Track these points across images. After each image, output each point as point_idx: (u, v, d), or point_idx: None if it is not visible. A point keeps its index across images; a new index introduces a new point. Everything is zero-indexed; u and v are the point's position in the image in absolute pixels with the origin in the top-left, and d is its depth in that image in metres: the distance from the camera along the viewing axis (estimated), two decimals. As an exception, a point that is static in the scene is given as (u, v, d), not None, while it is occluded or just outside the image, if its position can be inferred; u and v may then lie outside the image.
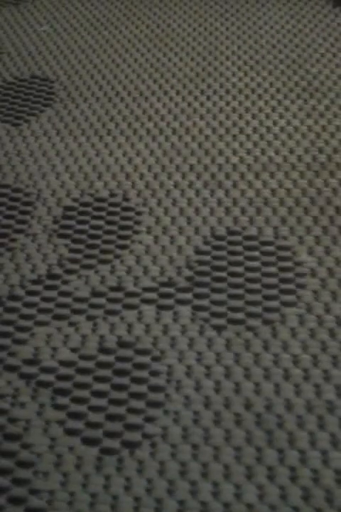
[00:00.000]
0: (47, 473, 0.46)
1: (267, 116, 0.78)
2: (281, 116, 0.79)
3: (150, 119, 0.80)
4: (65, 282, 0.60)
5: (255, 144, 0.76)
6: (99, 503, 0.44)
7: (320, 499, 0.44)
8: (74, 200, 0.69)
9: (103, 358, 0.53)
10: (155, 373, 0.52)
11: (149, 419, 0.49)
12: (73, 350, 0.54)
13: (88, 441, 0.48)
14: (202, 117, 0.80)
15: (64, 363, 0.53)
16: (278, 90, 0.83)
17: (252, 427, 0.48)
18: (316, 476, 0.45)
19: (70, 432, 0.48)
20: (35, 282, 0.60)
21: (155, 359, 0.53)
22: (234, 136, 0.77)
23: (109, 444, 0.48)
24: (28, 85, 0.85)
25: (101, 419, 0.49)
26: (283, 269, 0.61)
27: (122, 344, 0.54)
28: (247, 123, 0.78)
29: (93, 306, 0.58)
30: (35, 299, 0.59)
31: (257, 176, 0.71)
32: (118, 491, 0.45)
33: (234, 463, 0.46)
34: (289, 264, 0.61)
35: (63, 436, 0.48)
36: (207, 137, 0.77)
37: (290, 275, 0.60)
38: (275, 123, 0.78)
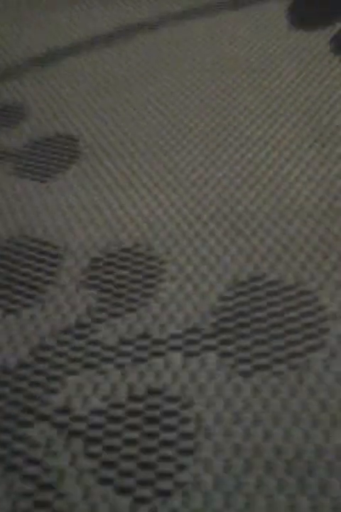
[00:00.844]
0: (81, 524, 0.45)
1: (281, 167, 0.80)
2: (296, 166, 0.81)
3: (170, 172, 0.82)
4: (94, 331, 0.60)
5: (271, 193, 0.77)
6: None
7: None
8: (101, 251, 0.71)
9: (132, 405, 0.53)
10: (184, 420, 0.52)
11: (180, 467, 0.48)
12: (104, 398, 0.54)
13: (121, 491, 0.47)
14: (219, 169, 0.82)
15: (95, 412, 0.53)
16: (291, 141, 0.85)
17: (283, 474, 0.47)
18: (351, 524, 0.44)
19: (103, 481, 0.48)
20: (64, 332, 0.60)
21: (184, 406, 0.53)
22: (251, 186, 0.78)
23: (142, 493, 0.47)
24: (53, 144, 0.88)
25: (133, 467, 0.48)
26: (306, 314, 0.61)
27: (151, 391, 0.54)
28: (263, 173, 0.80)
29: (121, 354, 0.58)
30: (65, 348, 0.59)
31: (275, 224, 0.72)
32: (152, 541, 0.44)
33: (266, 511, 0.45)
34: (312, 308, 0.61)
35: (96, 485, 0.47)
36: (224, 188, 0.79)
37: (313, 319, 0.60)
38: (289, 172, 0.80)
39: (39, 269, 0.69)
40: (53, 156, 0.87)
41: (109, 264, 0.69)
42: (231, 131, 0.87)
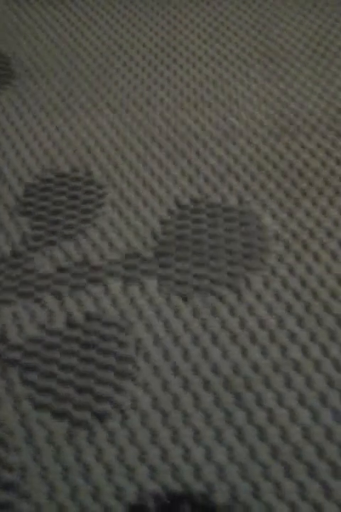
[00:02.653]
0: (19, 448, 0.45)
1: (227, 83, 0.78)
2: (241, 82, 0.79)
3: (109, 91, 0.79)
4: (29, 260, 0.59)
5: (216, 112, 0.75)
6: (71, 473, 0.44)
7: (287, 455, 0.45)
8: (36, 177, 0.68)
9: (70, 332, 0.53)
10: (123, 344, 0.52)
11: (118, 390, 0.49)
12: (40, 326, 0.54)
13: (58, 415, 0.48)
14: (162, 87, 0.79)
15: (31, 340, 0.53)
16: (237, 56, 0.83)
17: (220, 390, 0.49)
18: (284, 434, 0.46)
19: (40, 407, 0.48)
20: (-2, 262, 0.59)
21: (122, 330, 0.53)
22: (195, 105, 0.76)
23: (79, 416, 0.48)
24: (-17, 63, 0.82)
25: (71, 392, 0.49)
26: (246, 234, 0.61)
27: (89, 317, 0.54)
28: (208, 91, 0.78)
29: (58, 282, 0.58)
30: (0, 278, 0.58)
31: (219, 143, 0.71)
32: (89, 460, 0.45)
33: (203, 426, 0.47)
34: (253, 228, 0.62)
35: (33, 411, 0.48)
36: (168, 107, 0.76)
37: (254, 240, 0.60)
38: (235, 89, 0.78)
39: (-31, 198, 0.66)
40: (-17, 76, 0.82)
41: (45, 189, 0.67)
42: (176, 47, 0.84)
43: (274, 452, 0.45)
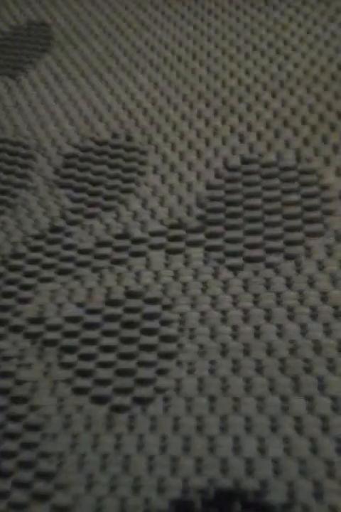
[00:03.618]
0: (56, 435, 0.43)
1: (283, 28, 0.70)
2: (300, 26, 0.70)
3: (153, 49, 0.74)
4: (68, 234, 0.57)
5: (271, 60, 0.68)
6: (111, 464, 0.42)
7: (355, 447, 0.39)
8: (75, 146, 0.65)
9: (110, 310, 0.50)
10: (166, 323, 0.48)
11: (161, 372, 0.46)
12: (79, 305, 0.51)
13: (97, 400, 0.45)
14: (209, 39, 0.72)
15: (70, 319, 0.50)
16: (296, -3, 0.74)
17: (276, 373, 0.44)
18: (350, 423, 0.40)
19: (78, 391, 0.46)
20: (37, 238, 0.57)
21: (166, 307, 0.49)
22: (247, 54, 0.69)
23: (120, 400, 0.45)
24: (25, 33, 0.80)
25: (111, 375, 0.46)
26: (307, 196, 0.54)
27: (130, 294, 0.51)
28: (261, 38, 0.71)
29: (98, 256, 0.55)
30: (39, 255, 0.56)
31: (274, 95, 0.64)
32: (130, 450, 0.42)
33: (256, 414, 0.42)
34: (314, 189, 0.55)
35: (71, 395, 0.45)
36: (216, 60, 0.70)
37: (315, 202, 0.54)
38: (293, 34, 0.70)
39: (9, 172, 0.64)
40: (24, 46, 0.80)
41: (84, 159, 0.64)
42: (226, -6, 0.77)
43: (340, 446, 0.40)
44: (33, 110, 0.71)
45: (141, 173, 0.60)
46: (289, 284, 0.48)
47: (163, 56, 0.73)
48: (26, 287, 0.53)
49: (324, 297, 0.47)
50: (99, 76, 0.73)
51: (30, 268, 0.55)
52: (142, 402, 0.44)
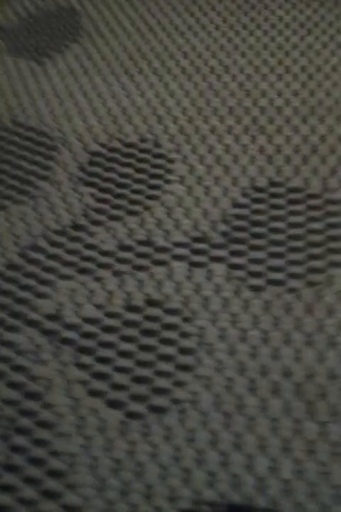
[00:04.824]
0: (69, 435, 0.45)
1: (317, 54, 0.73)
2: (333, 54, 0.73)
3: (185, 56, 0.76)
4: (91, 234, 0.58)
5: (303, 85, 0.70)
6: (123, 469, 0.43)
7: (364, 479, 0.41)
8: (102, 145, 0.67)
9: (130, 316, 0.52)
10: (185, 335, 0.50)
11: (178, 384, 0.47)
12: (98, 306, 0.53)
13: (112, 404, 0.47)
14: (243, 54, 0.75)
15: (88, 320, 0.52)
16: (330, 24, 0.77)
17: (291, 397, 0.46)
18: (361, 454, 0.43)
19: (94, 393, 0.47)
20: (59, 233, 0.58)
21: (186, 320, 0.51)
22: (280, 75, 0.72)
23: (135, 408, 0.47)
24: (54, 19, 0.81)
25: (127, 381, 0.48)
26: (331, 226, 0.57)
27: (150, 302, 0.52)
28: (294, 61, 0.73)
29: (120, 260, 0.56)
30: (59, 251, 0.57)
31: (304, 120, 0.67)
32: (143, 458, 0.44)
33: (269, 435, 0.44)
34: (338, 220, 0.57)
35: (86, 397, 0.47)
36: (248, 77, 0.72)
37: (339, 232, 0.56)
38: (326, 61, 0.72)
39: (33, 163, 0.66)
40: (53, 32, 0.81)
41: (111, 160, 0.65)
42: (261, 10, 0.79)
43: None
44: (60, 101, 0.72)
45: (167, 182, 0.62)
46: (308, 311, 0.51)
47: (196, 65, 0.75)
48: (44, 282, 0.54)
49: (341, 328, 0.49)
50: (130, 76, 0.74)
51: (49, 263, 0.56)
52: (157, 411, 0.45)
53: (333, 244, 0.55)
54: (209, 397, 0.47)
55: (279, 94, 0.69)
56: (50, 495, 0.43)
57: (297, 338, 0.49)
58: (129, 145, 0.66)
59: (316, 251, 0.55)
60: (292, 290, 0.52)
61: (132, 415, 0.46)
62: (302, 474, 0.42)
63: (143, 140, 0.66)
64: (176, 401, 0.46)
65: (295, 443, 0.44)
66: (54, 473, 0.44)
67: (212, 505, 0.41)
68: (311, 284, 0.53)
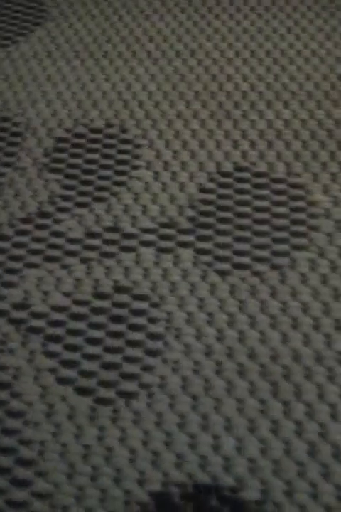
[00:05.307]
0: (38, 423, 0.45)
1: (282, 38, 0.74)
2: (298, 38, 0.74)
3: (151, 40, 0.75)
4: (57, 221, 0.58)
5: (268, 69, 0.71)
6: (93, 454, 0.44)
7: (326, 455, 0.43)
8: (67, 130, 0.66)
9: (98, 303, 0.52)
10: (153, 320, 0.51)
11: (146, 368, 0.48)
12: (66, 294, 0.53)
13: (81, 391, 0.48)
14: (209, 38, 0.75)
15: (56, 308, 0.52)
16: (294, 9, 0.78)
17: (256, 378, 0.48)
18: (323, 431, 0.45)
19: (62, 381, 0.48)
20: (24, 221, 0.58)
21: (154, 305, 0.52)
22: (245, 60, 0.72)
23: (104, 393, 0.47)
24: (17, 2, 0.80)
25: (96, 367, 0.49)
26: (294, 210, 0.58)
27: (118, 289, 0.53)
28: (260, 45, 0.74)
29: (87, 247, 0.56)
30: (25, 239, 0.57)
31: (269, 105, 0.68)
32: (113, 442, 0.45)
33: (236, 415, 0.46)
34: (302, 204, 0.59)
35: (55, 385, 0.47)
36: (214, 61, 0.73)
37: (302, 216, 0.58)
38: (291, 46, 0.73)
39: (-4, 150, 0.65)
40: (16, 16, 0.79)
41: (76, 146, 0.65)
42: (227, -7, 0.79)
43: (312, 450, 0.44)
44: (24, 86, 0.71)
45: (134, 167, 0.62)
46: (273, 294, 0.52)
47: (161, 49, 0.74)
48: (11, 271, 0.54)
49: (305, 310, 0.51)
50: (95, 60, 0.74)
51: (15, 252, 0.56)
52: (126, 396, 0.46)
53: (297, 228, 0.57)
54: (177, 380, 0.48)
55: (245, 79, 0.70)
56: (21, 483, 0.43)
57: (262, 320, 0.51)
58: (95, 130, 0.66)
59: (280, 235, 0.56)
60: (257, 274, 0.54)
61: (101, 401, 0.47)
62: (267, 453, 0.44)
63: (109, 125, 0.66)
64: (145, 385, 0.47)
65: (261, 422, 0.45)
66: (24, 462, 0.44)
67: (180, 486, 0.42)
68: (276, 267, 0.54)
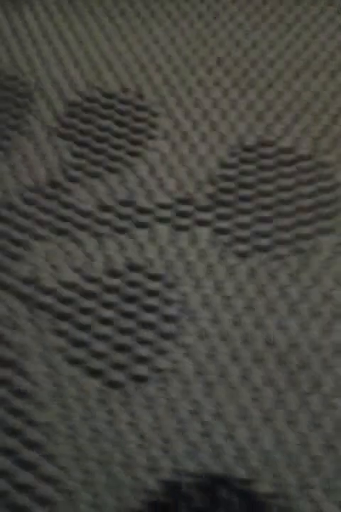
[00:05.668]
0: (46, 404, 0.46)
1: (313, 2, 0.72)
2: (331, 3, 0.72)
3: (171, 0, 0.74)
4: (68, 192, 0.57)
5: (297, 36, 0.69)
6: (102, 439, 0.45)
7: (344, 450, 0.44)
8: (79, 93, 0.65)
9: (110, 281, 0.52)
10: (168, 302, 0.51)
11: (160, 352, 0.49)
12: (76, 270, 0.53)
13: (92, 373, 0.48)
14: (234, 1, 0.73)
15: (66, 285, 0.52)
16: (328, -31, 0.75)
17: (273, 367, 0.48)
18: (340, 425, 0.45)
19: (72, 361, 0.48)
20: (33, 190, 0.58)
21: (168, 286, 0.52)
22: (272, 25, 0.70)
23: (115, 376, 0.48)
24: None
25: (107, 349, 0.49)
26: (320, 190, 0.58)
27: (132, 267, 0.53)
28: (289, 9, 0.72)
29: (99, 221, 0.56)
30: (33, 209, 0.57)
31: (297, 75, 0.66)
32: (123, 427, 0.45)
33: (250, 405, 0.46)
34: (329, 183, 0.58)
35: (64, 365, 0.48)
36: (239, 25, 0.71)
37: (328, 197, 0.57)
38: (322, 11, 0.71)
39: (3, 110, 0.64)
40: None
41: (89, 110, 0.64)
42: None
43: (328, 445, 0.44)
44: (34, 43, 0.69)
45: (151, 137, 0.61)
46: (294, 280, 0.52)
47: (183, 10, 0.73)
48: (18, 243, 0.54)
49: (326, 297, 0.51)
50: (110, 18, 0.72)
51: (23, 222, 0.55)
52: (138, 380, 0.47)
53: (321, 210, 0.56)
54: (191, 365, 0.48)
55: (271, 46, 0.68)
56: (27, 465, 0.44)
57: (281, 307, 0.51)
58: (109, 95, 0.65)
59: (304, 216, 0.56)
60: (278, 257, 0.53)
61: (112, 384, 0.47)
62: (282, 445, 0.44)
63: (124, 90, 0.65)
64: (157, 370, 0.48)
65: (277, 413, 0.46)
66: (31, 444, 0.45)
67: (192, 476, 0.43)
68: (297, 251, 0.54)
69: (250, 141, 0.61)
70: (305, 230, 0.55)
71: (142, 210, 0.57)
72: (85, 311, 0.51)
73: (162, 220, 0.56)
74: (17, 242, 0.54)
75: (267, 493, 0.42)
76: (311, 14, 0.72)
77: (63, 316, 0.51)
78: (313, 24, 0.71)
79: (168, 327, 0.50)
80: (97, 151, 0.61)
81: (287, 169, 0.59)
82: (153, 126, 0.62)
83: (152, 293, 0.52)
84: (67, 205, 0.57)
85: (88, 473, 0.43)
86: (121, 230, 0.55)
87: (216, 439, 0.45)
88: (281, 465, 0.44)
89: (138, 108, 0.64)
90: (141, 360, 0.48)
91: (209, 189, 0.58)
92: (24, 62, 0.68)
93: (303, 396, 0.47)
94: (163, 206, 0.57)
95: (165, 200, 0.57)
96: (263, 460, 0.44)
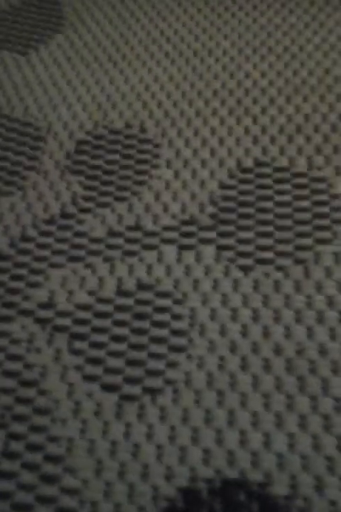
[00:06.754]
0: (66, 420, 0.45)
1: (299, 33, 0.73)
2: (315, 33, 0.73)
3: (168, 40, 0.75)
4: (80, 222, 0.58)
5: (286, 65, 0.71)
6: (120, 450, 0.44)
7: (355, 448, 0.42)
8: (88, 132, 0.67)
9: (121, 301, 0.52)
10: (177, 317, 0.51)
11: (171, 365, 0.48)
12: (90, 293, 0.53)
13: (107, 388, 0.47)
14: (226, 37, 0.75)
15: (80, 307, 0.52)
16: (312, 3, 0.77)
17: (282, 373, 0.47)
18: (352, 424, 0.44)
19: (88, 378, 0.48)
20: (48, 222, 0.58)
21: (177, 302, 0.52)
22: (263, 56, 0.72)
23: (130, 390, 0.47)
24: (36, 10, 0.81)
25: (121, 364, 0.48)
26: (317, 203, 0.57)
27: (142, 286, 0.53)
28: (277, 42, 0.73)
29: (110, 246, 0.56)
30: (49, 240, 0.57)
31: (288, 100, 0.67)
32: (139, 438, 0.45)
33: (262, 410, 0.45)
34: (324, 197, 0.58)
35: (81, 382, 0.47)
36: (232, 59, 0.72)
37: (325, 210, 0.57)
38: (308, 40, 0.73)
39: (19, 153, 0.65)
40: (35, 23, 0.80)
41: (97, 147, 0.65)
42: (243, -8, 0.79)
43: (340, 444, 0.43)
44: (44, 91, 0.71)
45: (154, 166, 0.62)
46: (297, 288, 0.51)
47: (179, 49, 0.74)
48: (36, 272, 0.55)
49: (330, 303, 0.50)
50: (113, 63, 0.74)
51: (40, 253, 0.56)
52: (152, 392, 0.46)
53: (320, 222, 0.56)
54: (202, 376, 0.47)
55: (263, 75, 0.69)
56: (49, 479, 0.43)
57: (287, 315, 0.50)
58: (115, 132, 0.66)
59: (303, 229, 0.56)
60: (280, 268, 0.53)
61: (127, 397, 0.47)
62: (295, 447, 0.43)
63: (128, 126, 0.66)
64: (170, 381, 0.47)
65: (288, 417, 0.45)
66: (52, 458, 0.44)
67: (208, 482, 0.42)
68: (299, 261, 0.53)
69: (248, 163, 0.61)
70: (305, 241, 0.55)
71: (149, 234, 0.57)
72: (99, 330, 0.51)
73: (168, 241, 0.56)
74: (35, 271, 0.55)
75: (284, 495, 0.41)
76: (298, 44, 0.73)
77: (79, 336, 0.51)
78: (301, 53, 0.72)
79: (179, 341, 0.50)
80: (106, 183, 0.62)
81: (284, 186, 0.59)
82: (157, 156, 0.63)
83: (162, 309, 0.52)
84: (79, 234, 0.58)
85: (107, 484, 0.43)
86: (131, 253, 0.56)
87: (230, 445, 0.44)
88: (296, 467, 0.43)
89: (142, 141, 0.65)
90: (154, 373, 0.48)
91: (211, 210, 0.58)
92: (36, 108, 0.70)
93: (314, 399, 0.46)
94: (168, 228, 0.57)
95: (171, 222, 0.57)
96: (277, 463, 0.43)
